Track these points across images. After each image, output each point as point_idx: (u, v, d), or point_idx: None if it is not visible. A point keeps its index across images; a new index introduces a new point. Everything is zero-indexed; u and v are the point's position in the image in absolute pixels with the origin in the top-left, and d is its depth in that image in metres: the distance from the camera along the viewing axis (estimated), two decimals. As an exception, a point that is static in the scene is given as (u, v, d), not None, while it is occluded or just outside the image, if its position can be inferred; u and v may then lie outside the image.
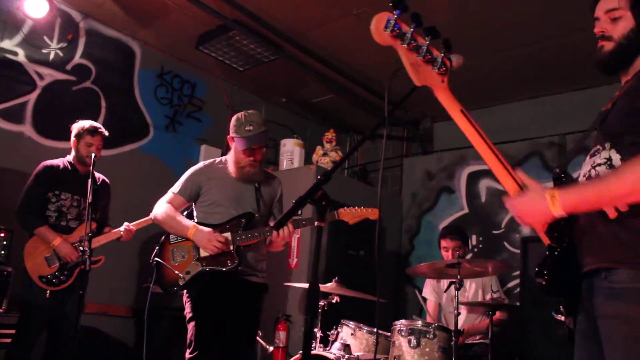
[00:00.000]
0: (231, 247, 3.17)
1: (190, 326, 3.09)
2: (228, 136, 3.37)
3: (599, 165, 1.79)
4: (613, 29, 1.82)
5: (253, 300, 3.31)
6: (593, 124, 1.89)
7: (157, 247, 3.28)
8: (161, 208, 3.29)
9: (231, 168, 3.35)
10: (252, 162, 3.30)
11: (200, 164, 3.44)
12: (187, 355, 3.03)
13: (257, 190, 3.39)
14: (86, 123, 3.99)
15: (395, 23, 1.47)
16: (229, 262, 3.16)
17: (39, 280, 3.74)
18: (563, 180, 1.88)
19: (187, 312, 3.15)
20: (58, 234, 3.80)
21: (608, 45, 1.84)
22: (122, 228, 4.04)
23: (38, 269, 3.76)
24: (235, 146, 3.31)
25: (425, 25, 1.51)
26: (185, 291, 3.21)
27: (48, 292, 3.74)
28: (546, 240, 1.78)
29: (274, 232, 3.15)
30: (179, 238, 3.25)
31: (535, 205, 1.65)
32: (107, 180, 4.20)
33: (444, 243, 4.46)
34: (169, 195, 3.34)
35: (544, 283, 1.75)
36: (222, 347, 3.11)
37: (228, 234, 3.19)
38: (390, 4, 1.46)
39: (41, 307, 3.74)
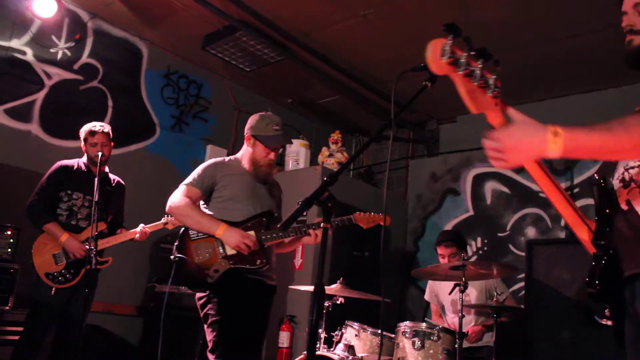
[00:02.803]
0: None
1: (214, 327, 2.95)
2: (247, 134, 3.29)
3: (632, 168, 1.74)
4: None
5: (268, 303, 3.25)
6: None
7: (176, 243, 3.11)
8: (181, 202, 3.09)
9: (247, 166, 3.27)
10: (271, 161, 3.27)
11: (212, 160, 3.30)
12: (212, 357, 2.91)
13: (268, 190, 3.36)
14: (88, 125, 4.02)
15: (451, 50, 1.35)
16: (258, 260, 3.06)
17: (45, 277, 3.76)
18: (602, 185, 1.82)
19: (211, 313, 2.98)
20: (66, 231, 3.82)
21: (637, 39, 1.72)
22: (138, 229, 4.07)
23: (45, 266, 3.78)
24: (257, 144, 3.24)
25: (474, 46, 1.40)
26: (207, 291, 3.05)
27: (53, 289, 3.75)
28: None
29: (311, 232, 3.07)
30: (199, 234, 3.10)
31: (530, 138, 1.43)
32: (122, 181, 4.22)
33: (439, 250, 4.42)
34: (184, 188, 3.16)
35: (595, 292, 1.69)
36: (246, 349, 3.03)
37: (252, 233, 3.08)
38: (444, 29, 1.36)
39: (48, 305, 3.76)
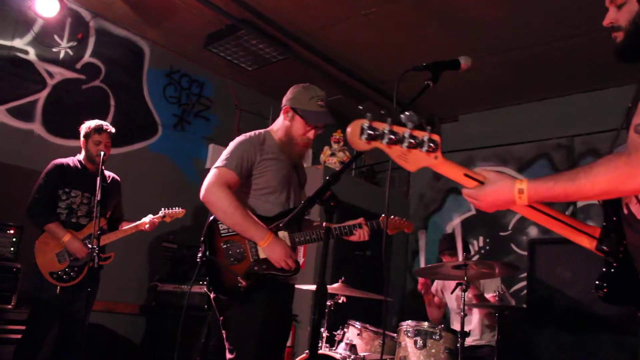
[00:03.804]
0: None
1: (239, 336, 2.65)
2: (286, 106, 2.89)
3: None
4: (620, 17, 1.73)
5: (291, 306, 2.97)
6: (622, 122, 1.87)
7: (203, 240, 2.68)
8: (223, 193, 2.60)
9: (281, 145, 2.87)
10: (309, 141, 2.89)
11: (248, 137, 2.82)
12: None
13: (298, 176, 3.00)
14: (93, 122, 4.03)
15: (369, 128, 1.52)
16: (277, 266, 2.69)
17: (50, 276, 3.77)
18: None
19: (238, 321, 2.66)
20: (68, 231, 3.83)
21: (619, 35, 1.75)
22: (147, 219, 4.09)
23: (49, 265, 3.79)
24: (296, 119, 2.85)
25: (400, 108, 1.59)
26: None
27: (58, 288, 3.76)
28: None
29: (356, 231, 2.84)
30: (230, 230, 2.67)
31: (501, 196, 1.66)
32: (117, 177, 4.23)
33: (444, 259, 4.47)
34: (221, 172, 2.66)
35: (601, 295, 1.78)
36: (275, 352, 2.77)
37: (285, 234, 2.73)
38: (362, 111, 1.54)
39: (51, 304, 3.76)
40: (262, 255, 2.67)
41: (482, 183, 1.70)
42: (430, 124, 1.59)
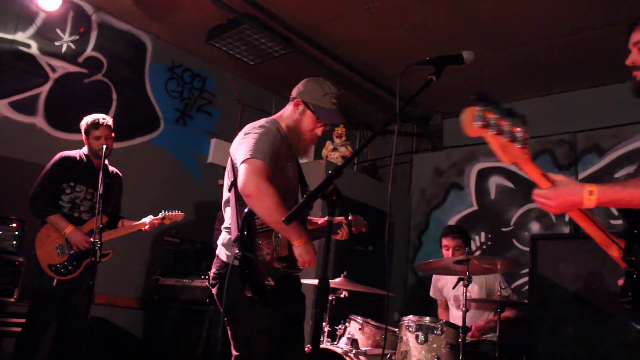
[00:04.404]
0: None
1: (250, 337, 2.56)
2: (297, 99, 2.78)
3: None
4: None
5: (303, 299, 2.99)
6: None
7: (239, 235, 2.51)
8: (269, 189, 2.42)
9: (288, 138, 2.76)
10: (316, 137, 2.82)
11: (264, 125, 2.66)
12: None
13: (299, 171, 2.91)
14: (90, 118, 4.00)
15: (481, 116, 1.64)
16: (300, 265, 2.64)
17: (48, 268, 3.76)
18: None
19: (248, 319, 2.57)
20: (70, 223, 3.82)
21: (639, 75, 2.04)
22: (147, 220, 4.08)
23: (48, 257, 3.78)
24: (307, 114, 2.75)
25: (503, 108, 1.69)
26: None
27: (55, 280, 3.75)
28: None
29: (339, 231, 2.86)
30: (264, 226, 2.54)
31: (571, 198, 1.78)
32: (119, 173, 4.23)
33: (444, 242, 4.47)
34: (259, 165, 2.47)
35: (627, 302, 1.91)
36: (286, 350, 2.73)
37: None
38: (475, 99, 1.67)
39: (50, 296, 3.76)
40: (282, 253, 2.60)
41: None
42: (524, 122, 1.70)
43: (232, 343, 2.61)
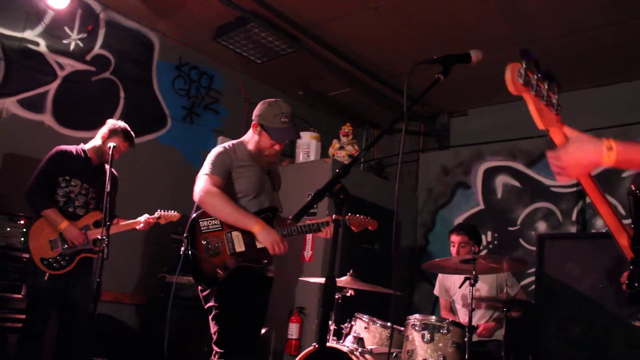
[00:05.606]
0: None
1: (219, 320, 2.97)
2: (254, 121, 3.17)
3: None
4: None
5: (267, 297, 3.26)
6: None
7: (187, 235, 3.01)
8: (214, 192, 2.95)
9: (252, 153, 3.17)
10: (276, 152, 3.19)
11: (222, 148, 3.16)
12: (216, 349, 2.94)
13: (272, 182, 3.30)
14: (125, 125, 4.04)
15: (526, 73, 1.56)
16: (264, 260, 3.04)
17: (40, 262, 3.74)
18: (638, 195, 1.90)
19: (215, 306, 2.99)
20: (65, 218, 3.82)
21: None
22: (142, 219, 4.08)
23: (41, 251, 3.77)
24: (263, 134, 3.14)
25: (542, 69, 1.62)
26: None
27: (47, 274, 3.73)
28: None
29: (323, 229, 3.11)
30: (210, 227, 3.00)
31: (587, 155, 1.60)
32: (115, 172, 4.23)
33: (451, 238, 4.54)
34: (210, 179, 3.00)
35: (634, 292, 1.81)
36: (247, 341, 3.05)
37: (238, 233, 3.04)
38: (519, 54, 1.57)
39: (45, 291, 3.74)
40: (237, 249, 3.00)
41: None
42: (557, 86, 1.64)
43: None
